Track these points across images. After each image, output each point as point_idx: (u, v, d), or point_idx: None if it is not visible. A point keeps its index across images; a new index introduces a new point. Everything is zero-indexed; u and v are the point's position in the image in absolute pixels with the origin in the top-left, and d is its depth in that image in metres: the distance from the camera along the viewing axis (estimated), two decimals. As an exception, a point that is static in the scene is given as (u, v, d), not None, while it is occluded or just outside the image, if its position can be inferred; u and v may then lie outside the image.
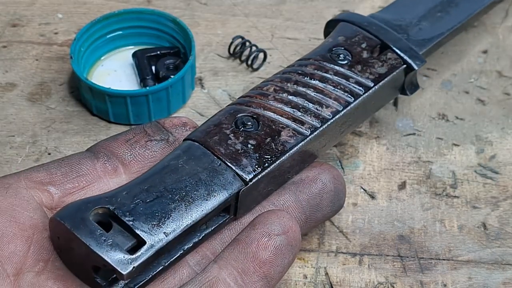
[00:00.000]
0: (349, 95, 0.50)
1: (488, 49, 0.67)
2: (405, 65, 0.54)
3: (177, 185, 0.43)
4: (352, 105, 0.50)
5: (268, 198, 0.48)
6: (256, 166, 0.45)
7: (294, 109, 0.49)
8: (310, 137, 0.48)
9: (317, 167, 0.49)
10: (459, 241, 0.54)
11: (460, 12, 0.59)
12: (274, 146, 0.47)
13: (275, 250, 0.43)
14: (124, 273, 0.40)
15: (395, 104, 0.63)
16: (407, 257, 0.53)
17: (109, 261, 0.40)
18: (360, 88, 0.51)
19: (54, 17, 0.71)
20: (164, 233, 0.41)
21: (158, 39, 0.65)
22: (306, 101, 0.49)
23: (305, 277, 0.52)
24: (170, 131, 0.48)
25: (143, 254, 0.40)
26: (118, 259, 0.40)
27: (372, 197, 0.57)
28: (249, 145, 0.46)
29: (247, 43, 0.66)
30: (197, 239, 0.44)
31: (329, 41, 0.54)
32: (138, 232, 0.41)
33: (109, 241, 0.40)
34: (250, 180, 0.45)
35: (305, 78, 0.51)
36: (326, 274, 0.53)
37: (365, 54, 0.53)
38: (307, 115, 0.49)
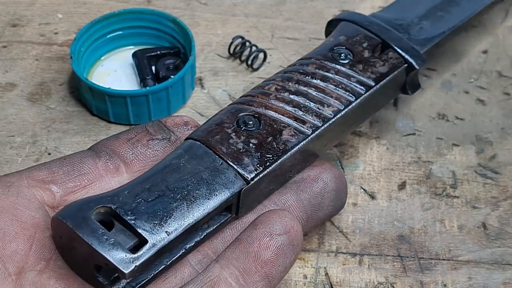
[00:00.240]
0: (350, 95, 0.50)
1: (488, 49, 0.67)
2: (406, 65, 0.54)
3: (179, 184, 0.43)
4: (353, 104, 0.50)
5: (269, 197, 0.48)
6: (258, 165, 0.45)
7: (295, 108, 0.49)
8: (311, 136, 0.48)
9: (318, 166, 0.49)
10: (459, 241, 0.54)
11: (461, 12, 0.60)
12: (275, 145, 0.47)
13: (277, 250, 0.43)
14: (126, 272, 0.40)
15: (395, 104, 0.63)
16: (407, 257, 0.53)
17: (111, 260, 0.40)
18: (362, 87, 0.51)
19: (54, 17, 0.71)
20: (166, 232, 0.41)
21: (158, 39, 0.65)
22: (307, 100, 0.49)
23: (305, 277, 0.52)
24: (172, 130, 0.48)
25: (145, 253, 0.40)
26: (120, 258, 0.40)
27: (372, 197, 0.57)
28: (251, 144, 0.46)
29: (247, 43, 0.66)
30: (198, 238, 0.44)
31: (330, 41, 0.54)
32: (140, 231, 0.41)
33: (111, 240, 0.40)
34: (252, 179, 0.45)
35: (307, 77, 0.51)
36: (326, 274, 0.53)
37: (366, 54, 0.53)
38: (308, 114, 0.49)
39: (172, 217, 0.42)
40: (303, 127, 0.48)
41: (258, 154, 0.46)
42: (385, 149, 0.60)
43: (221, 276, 0.42)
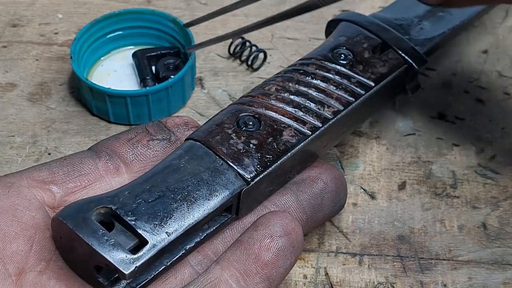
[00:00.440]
0: (350, 95, 0.50)
1: (488, 49, 0.67)
2: (406, 65, 0.54)
3: (179, 185, 0.43)
4: (353, 105, 0.50)
5: (269, 198, 0.48)
6: (258, 166, 0.45)
7: (296, 109, 0.49)
8: (311, 137, 0.48)
9: (318, 167, 0.49)
10: (459, 241, 0.54)
11: (461, 12, 0.60)
12: (276, 146, 0.47)
13: (278, 252, 0.43)
14: (126, 272, 0.40)
15: (395, 104, 0.63)
16: (407, 257, 0.53)
17: (111, 260, 0.40)
18: (362, 88, 0.51)
19: (54, 17, 0.71)
20: (166, 232, 0.41)
21: (158, 39, 0.65)
22: (307, 101, 0.49)
23: (305, 277, 0.52)
24: (172, 130, 0.48)
25: (145, 253, 0.40)
26: (120, 258, 0.40)
27: (372, 197, 0.57)
28: (251, 145, 0.46)
29: (247, 43, 0.66)
30: (199, 239, 0.44)
31: (330, 41, 0.54)
32: (140, 231, 0.41)
33: (111, 240, 0.40)
34: (252, 179, 0.45)
35: (307, 77, 0.51)
36: (326, 274, 0.53)
37: (366, 54, 0.53)
38: (308, 115, 0.49)
39: (173, 217, 0.42)
40: (303, 128, 0.48)
41: (258, 154, 0.46)
42: (385, 149, 0.60)
43: (222, 278, 0.42)
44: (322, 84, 0.51)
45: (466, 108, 0.63)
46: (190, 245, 0.44)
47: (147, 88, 0.60)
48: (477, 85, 0.64)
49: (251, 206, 0.47)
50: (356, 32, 0.55)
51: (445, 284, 0.52)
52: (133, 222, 0.41)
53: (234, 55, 0.67)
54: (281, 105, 0.49)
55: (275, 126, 0.48)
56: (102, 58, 0.65)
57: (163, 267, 0.43)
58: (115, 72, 0.64)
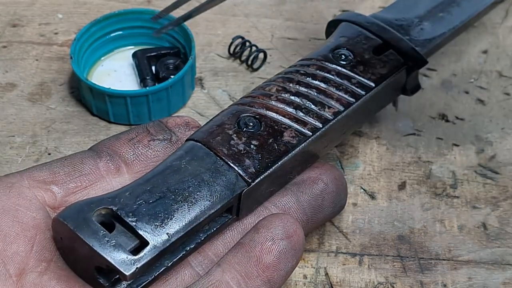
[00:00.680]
0: (351, 96, 0.50)
1: (488, 49, 0.67)
2: (406, 66, 0.54)
3: (180, 186, 0.43)
4: (353, 106, 0.50)
5: (269, 199, 0.48)
6: (259, 167, 0.45)
7: (296, 110, 0.49)
8: (312, 137, 0.48)
9: (318, 167, 0.49)
10: (459, 241, 0.54)
11: (461, 12, 0.60)
12: (276, 147, 0.47)
13: (279, 255, 0.43)
14: (127, 274, 0.40)
15: (395, 104, 0.63)
16: (407, 257, 0.53)
17: (112, 262, 0.40)
18: (362, 88, 0.51)
19: (54, 17, 0.71)
20: (167, 233, 0.41)
21: (158, 39, 0.65)
22: (308, 102, 0.49)
23: (305, 277, 0.52)
24: (173, 130, 0.48)
25: (146, 255, 0.40)
26: (121, 259, 0.40)
27: (372, 197, 0.57)
28: (252, 146, 0.46)
29: (247, 43, 0.66)
30: (199, 240, 0.44)
31: (331, 41, 0.54)
32: (141, 232, 0.41)
33: (112, 241, 0.40)
34: (253, 180, 0.45)
35: (307, 78, 0.51)
36: (326, 274, 0.53)
37: (367, 55, 0.53)
38: (309, 115, 0.49)
39: (173, 218, 0.42)
40: (304, 129, 0.48)
41: (259, 155, 0.46)
42: (385, 149, 0.60)
43: (223, 280, 0.42)
44: (323, 85, 0.51)
45: (466, 108, 0.63)
46: (191, 246, 0.44)
47: (147, 88, 0.60)
48: (477, 85, 0.65)
49: (252, 207, 0.47)
50: (356, 33, 0.55)
51: (445, 284, 0.52)
52: (134, 223, 0.41)
53: (234, 55, 0.67)
54: (281, 105, 0.49)
55: (276, 127, 0.48)
56: (102, 58, 0.65)
57: (163, 268, 0.43)
58: (115, 72, 0.64)
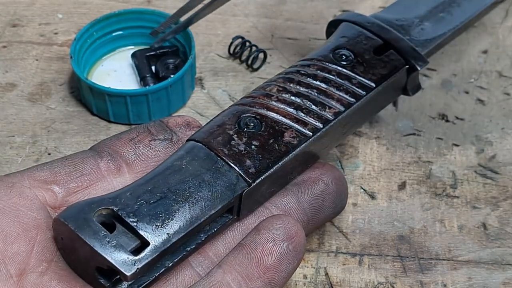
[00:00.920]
0: (351, 96, 0.50)
1: (488, 49, 0.67)
2: (407, 66, 0.54)
3: (181, 186, 0.43)
4: (354, 106, 0.50)
5: (270, 199, 0.48)
6: (259, 167, 0.45)
7: (297, 110, 0.49)
8: (312, 138, 0.48)
9: (319, 168, 0.49)
10: (459, 241, 0.54)
11: (462, 12, 0.60)
12: (277, 147, 0.47)
13: (280, 256, 0.43)
14: (128, 274, 0.40)
15: (395, 104, 0.63)
16: (407, 257, 0.53)
17: (113, 262, 0.40)
18: (363, 89, 0.51)
19: (54, 17, 0.71)
20: (168, 234, 0.41)
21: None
22: (308, 102, 0.49)
23: (305, 277, 0.52)
24: (174, 130, 0.48)
25: (147, 255, 0.40)
26: (122, 260, 0.40)
27: (372, 197, 0.57)
28: (253, 146, 0.46)
29: (247, 43, 0.66)
30: (200, 240, 0.44)
31: (331, 42, 0.54)
32: (142, 233, 0.41)
33: (113, 242, 0.40)
34: (253, 181, 0.45)
35: (308, 78, 0.51)
36: (326, 274, 0.53)
37: (367, 55, 0.53)
38: (309, 116, 0.49)
39: (174, 219, 0.42)
40: (304, 129, 0.48)
41: (260, 156, 0.46)
42: (385, 149, 0.60)
43: (224, 281, 0.42)
44: (323, 85, 0.51)
45: (466, 108, 0.63)
46: (191, 246, 0.44)
47: (147, 87, 0.60)
48: (477, 85, 0.65)
49: (252, 207, 0.47)
50: (357, 33, 0.55)
51: (445, 284, 0.52)
52: (134, 224, 0.41)
53: (234, 55, 0.67)
54: (282, 106, 0.49)
55: (276, 127, 0.48)
56: (102, 58, 0.65)
57: (164, 269, 0.43)
58: (115, 72, 0.64)
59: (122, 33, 0.65)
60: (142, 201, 0.42)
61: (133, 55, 0.64)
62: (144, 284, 0.43)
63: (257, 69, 0.66)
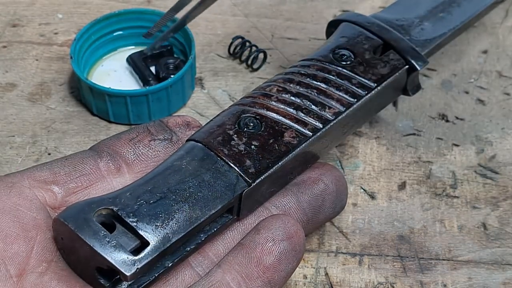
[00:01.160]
0: (351, 96, 0.50)
1: (488, 49, 0.67)
2: (407, 66, 0.54)
3: (181, 186, 0.43)
4: (354, 106, 0.50)
5: (270, 199, 0.48)
6: (259, 167, 0.45)
7: (297, 110, 0.49)
8: (312, 138, 0.48)
9: (319, 168, 0.49)
10: (459, 241, 0.54)
11: (462, 12, 0.60)
12: (277, 147, 0.47)
13: (280, 256, 0.43)
14: (128, 274, 0.40)
15: (395, 104, 0.63)
16: (407, 257, 0.53)
17: (113, 262, 0.40)
18: (363, 89, 0.51)
19: (54, 17, 0.71)
20: (168, 234, 0.41)
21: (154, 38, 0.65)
22: (308, 102, 0.49)
23: (305, 277, 0.52)
24: (174, 130, 0.48)
25: (147, 255, 0.40)
26: (122, 260, 0.40)
27: (372, 197, 0.57)
28: (252, 146, 0.46)
29: (247, 43, 0.66)
30: (200, 240, 0.44)
31: (331, 42, 0.54)
32: (141, 233, 0.41)
33: (112, 242, 0.40)
34: (253, 181, 0.45)
35: (308, 79, 0.51)
36: (326, 274, 0.53)
37: (367, 55, 0.53)
38: (309, 116, 0.49)
39: (174, 219, 0.42)
40: (304, 129, 0.48)
41: (260, 156, 0.46)
42: (385, 149, 0.60)
43: (223, 281, 0.42)
44: (323, 85, 0.51)
45: (466, 108, 0.63)
46: (191, 246, 0.44)
47: (147, 87, 0.60)
48: (477, 85, 0.65)
49: (252, 207, 0.47)
50: (357, 33, 0.55)
51: (445, 284, 0.52)
52: (134, 224, 0.41)
53: (234, 55, 0.67)
54: (282, 106, 0.49)
55: (276, 127, 0.48)
56: (102, 58, 0.65)
57: (164, 269, 0.43)
58: (115, 72, 0.64)
59: (122, 33, 0.65)
60: (142, 201, 0.42)
61: (129, 59, 0.63)
62: (144, 284, 0.43)
63: (257, 69, 0.66)
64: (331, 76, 0.51)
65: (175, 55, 0.64)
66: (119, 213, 0.41)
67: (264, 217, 0.46)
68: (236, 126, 0.47)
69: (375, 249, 0.54)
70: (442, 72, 0.66)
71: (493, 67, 0.66)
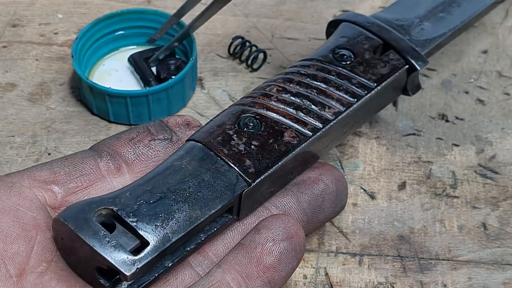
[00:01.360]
0: (351, 96, 0.50)
1: (488, 49, 0.67)
2: (407, 66, 0.54)
3: (180, 186, 0.43)
4: (354, 106, 0.50)
5: (270, 199, 0.48)
6: (259, 167, 0.45)
7: (296, 110, 0.49)
8: (312, 138, 0.48)
9: (319, 168, 0.49)
10: (459, 241, 0.54)
11: (462, 12, 0.60)
12: (277, 147, 0.47)
13: (280, 256, 0.43)
14: (128, 274, 0.40)
15: (395, 104, 0.63)
16: (407, 257, 0.53)
17: (112, 262, 0.40)
18: (362, 89, 0.51)
19: (54, 17, 0.71)
20: (168, 234, 0.41)
21: (160, 39, 0.65)
22: (308, 102, 0.49)
23: (305, 277, 0.52)
24: (174, 130, 0.48)
25: (147, 255, 0.40)
26: (121, 260, 0.40)
27: (372, 197, 0.57)
28: (252, 146, 0.46)
29: (247, 43, 0.66)
30: (200, 240, 0.44)
31: (331, 42, 0.54)
32: (141, 233, 0.41)
33: (112, 242, 0.40)
34: (253, 181, 0.45)
35: (308, 79, 0.51)
36: (326, 274, 0.53)
37: (367, 55, 0.53)
38: (309, 116, 0.49)
39: (174, 219, 0.42)
40: (304, 129, 0.48)
41: (260, 156, 0.46)
42: (385, 149, 0.60)
43: (223, 281, 0.42)
44: (323, 85, 0.51)
45: (466, 108, 0.63)
46: (191, 246, 0.44)
47: (147, 88, 0.60)
48: (477, 85, 0.65)
49: (252, 207, 0.47)
50: (357, 33, 0.55)
51: (445, 284, 0.52)
52: (134, 224, 0.41)
53: (234, 55, 0.67)
54: (282, 106, 0.49)
55: (276, 127, 0.48)
56: (103, 58, 0.65)
57: (164, 268, 0.43)
58: (117, 72, 0.64)
59: (124, 33, 0.65)
60: (142, 201, 0.42)
61: (130, 59, 0.63)
62: (144, 284, 0.43)
63: (257, 69, 0.66)
64: (331, 76, 0.51)
65: (176, 56, 0.64)
66: (119, 213, 0.41)
67: (264, 217, 0.46)
68: (236, 126, 0.47)
69: (375, 249, 0.54)
70: (442, 72, 0.66)
71: (493, 67, 0.66)
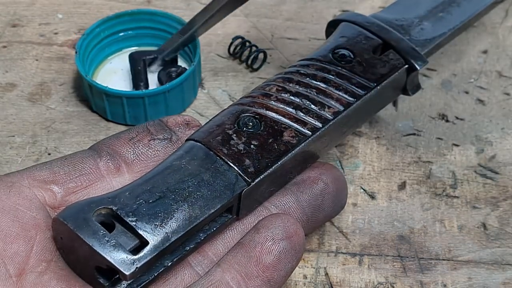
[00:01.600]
0: (351, 96, 0.50)
1: (488, 49, 0.67)
2: (407, 66, 0.54)
3: (180, 186, 0.43)
4: (353, 105, 0.50)
5: (269, 199, 0.48)
6: (259, 167, 0.45)
7: (296, 110, 0.49)
8: (312, 137, 0.48)
9: (318, 167, 0.49)
10: (459, 241, 0.54)
11: (461, 12, 0.60)
12: (276, 147, 0.47)
13: (279, 255, 0.43)
14: (127, 273, 0.40)
15: (395, 104, 0.63)
16: (407, 257, 0.53)
17: (112, 261, 0.40)
18: (362, 88, 0.51)
19: (54, 17, 0.71)
20: (167, 233, 0.41)
21: (163, 41, 0.65)
22: (308, 102, 0.49)
23: (305, 277, 0.52)
24: (173, 130, 0.48)
25: (146, 254, 0.40)
26: (121, 259, 0.40)
27: (372, 197, 0.57)
28: (252, 146, 0.46)
29: (247, 43, 0.66)
30: (199, 240, 0.44)
31: (331, 42, 0.54)
32: (141, 232, 0.41)
33: (112, 241, 0.40)
34: (253, 180, 0.45)
35: (307, 78, 0.51)
36: (326, 274, 0.53)
37: (367, 55, 0.53)
38: (309, 115, 0.49)
39: (173, 218, 0.42)
40: (303, 129, 0.48)
41: (259, 155, 0.46)
42: (385, 149, 0.60)
43: (223, 280, 0.42)
44: (323, 85, 0.51)
45: (466, 108, 0.63)
46: (191, 246, 0.44)
47: (143, 90, 0.60)
48: (477, 85, 0.65)
49: (252, 206, 0.47)
50: (356, 33, 0.55)
51: (445, 284, 0.52)
52: (133, 223, 0.41)
53: (234, 55, 0.67)
54: (281, 105, 0.49)
55: (276, 127, 0.48)
56: (111, 56, 0.65)
57: (163, 268, 0.43)
58: (122, 71, 0.64)
59: (131, 33, 0.65)
60: (141, 201, 0.42)
61: (130, 57, 0.63)
62: (144, 284, 0.43)
63: (257, 69, 0.66)
64: (331, 76, 0.51)
65: (181, 58, 0.64)
66: (118, 212, 0.41)
67: (263, 217, 0.46)
68: (236, 125, 0.47)
69: (375, 249, 0.54)
70: (442, 72, 0.66)
71: (493, 67, 0.66)
